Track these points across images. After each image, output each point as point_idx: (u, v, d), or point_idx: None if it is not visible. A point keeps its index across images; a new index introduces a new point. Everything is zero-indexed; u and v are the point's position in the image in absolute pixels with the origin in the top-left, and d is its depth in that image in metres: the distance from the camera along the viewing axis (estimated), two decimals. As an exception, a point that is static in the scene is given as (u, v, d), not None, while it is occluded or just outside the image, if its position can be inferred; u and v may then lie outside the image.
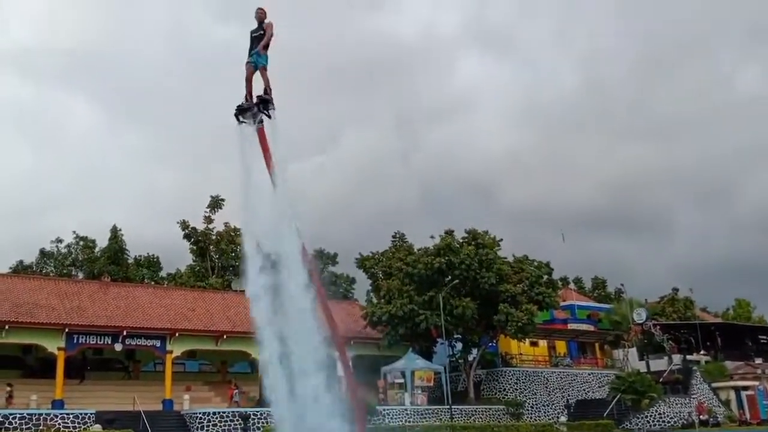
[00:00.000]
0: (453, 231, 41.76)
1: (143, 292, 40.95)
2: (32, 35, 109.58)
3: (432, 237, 41.78)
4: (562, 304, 51.94)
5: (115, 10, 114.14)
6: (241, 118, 13.45)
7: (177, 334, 35.45)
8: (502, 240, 42.01)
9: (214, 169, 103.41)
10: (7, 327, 31.68)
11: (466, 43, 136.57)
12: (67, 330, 32.86)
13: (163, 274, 61.94)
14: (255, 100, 13.36)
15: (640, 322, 49.43)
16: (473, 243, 40.41)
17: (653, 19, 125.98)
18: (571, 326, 52.64)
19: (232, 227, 57.90)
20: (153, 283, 56.09)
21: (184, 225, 59.75)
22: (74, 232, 62.33)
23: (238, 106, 13.57)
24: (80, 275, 57.93)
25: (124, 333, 34.27)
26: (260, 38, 13.37)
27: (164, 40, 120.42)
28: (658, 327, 50.32)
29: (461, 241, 41.00)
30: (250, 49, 13.42)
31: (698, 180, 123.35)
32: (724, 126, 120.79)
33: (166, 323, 36.37)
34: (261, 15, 13.60)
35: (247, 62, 13.41)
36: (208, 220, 60.24)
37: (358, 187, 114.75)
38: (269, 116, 13.25)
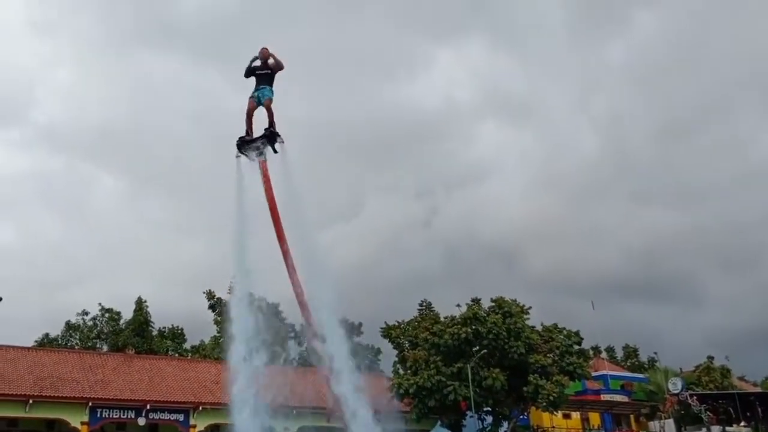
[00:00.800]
0: (479, 299, 41.12)
1: (167, 365, 40.62)
2: (62, 111, 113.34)
3: (458, 306, 41.15)
4: (594, 374, 50.48)
5: (140, 87, 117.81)
6: (243, 151, 13.24)
7: (200, 408, 34.87)
8: (530, 308, 41.24)
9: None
10: (30, 401, 31.46)
11: (484, 111, 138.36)
12: (90, 404, 32.55)
13: (187, 345, 61.49)
14: (263, 132, 13.31)
15: (676, 392, 47.74)
16: (500, 312, 39.65)
17: (672, 85, 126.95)
18: (604, 397, 51.02)
19: (257, 297, 57.58)
20: (177, 355, 55.63)
21: (209, 295, 59.59)
22: (100, 304, 62.44)
23: (242, 138, 13.39)
24: (105, 347, 57.74)
25: (148, 407, 33.83)
26: (267, 76, 13.30)
27: (187, 115, 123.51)
28: (695, 397, 48.51)
29: (488, 309, 40.28)
30: (256, 85, 13.34)
31: (725, 245, 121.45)
32: (747, 191, 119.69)
33: (190, 396, 35.87)
34: (265, 53, 13.68)
35: (251, 97, 13.36)
36: (233, 290, 59.98)
37: (381, 255, 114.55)
38: (275, 150, 13.06)
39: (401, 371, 46.07)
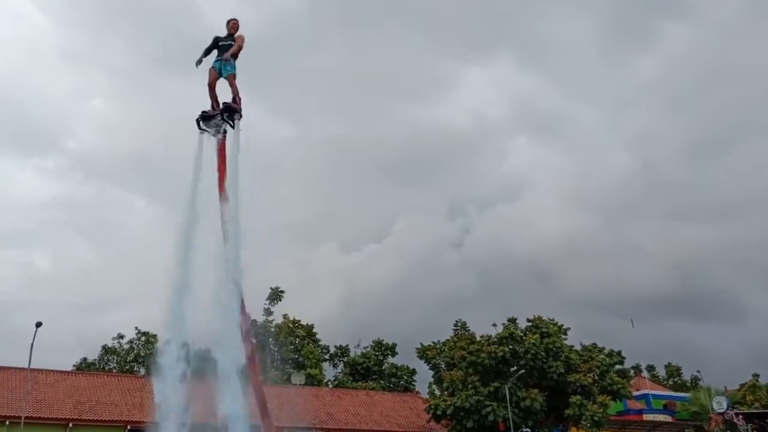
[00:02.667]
0: (516, 319, 40.59)
1: (203, 386, 40.62)
2: (94, 139, 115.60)
3: (494, 325, 40.67)
4: (636, 393, 49.40)
5: (170, 114, 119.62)
6: (203, 126, 12.71)
7: (237, 431, 34.77)
8: (569, 329, 40.56)
9: (273, 262, 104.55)
10: (70, 425, 31.67)
11: (515, 129, 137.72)
12: (129, 427, 32.64)
13: (222, 367, 61.63)
14: (221, 107, 12.63)
15: (721, 411, 46.22)
16: (538, 331, 39.04)
17: (702, 101, 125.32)
18: (647, 417, 49.83)
19: (291, 319, 57.67)
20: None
21: (243, 318, 59.82)
22: (136, 327, 63.03)
23: (203, 113, 12.75)
24: (142, 371, 58.13)
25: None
26: (229, 47, 12.90)
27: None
28: (741, 416, 46.98)
29: (525, 329, 39.71)
30: (217, 56, 12.88)
31: (764, 260, 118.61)
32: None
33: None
34: (234, 26, 13.26)
35: (212, 68, 12.89)
36: (268, 312, 60.21)
37: (414, 275, 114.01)
38: (233, 126, 12.47)
39: (437, 392, 45.59)
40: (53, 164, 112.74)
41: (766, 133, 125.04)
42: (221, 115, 12.47)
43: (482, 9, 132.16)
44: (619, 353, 41.25)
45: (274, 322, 60.48)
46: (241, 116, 12.48)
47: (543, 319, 40.42)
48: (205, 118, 12.77)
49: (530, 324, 40.22)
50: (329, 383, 55.70)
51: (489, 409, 36.84)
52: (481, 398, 37.21)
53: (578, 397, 36.93)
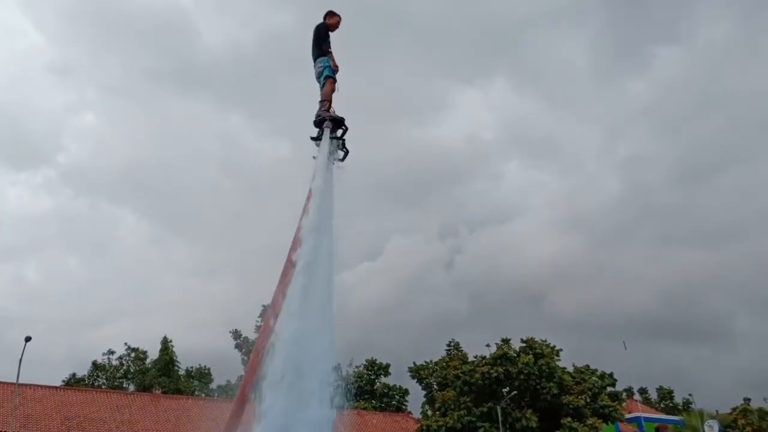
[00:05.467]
0: (509, 339, 40.49)
1: (193, 405, 40.31)
2: (86, 154, 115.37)
3: (488, 345, 40.56)
4: (628, 416, 49.16)
5: (163, 130, 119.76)
6: (320, 135, 10.90)
7: (227, 449, 34.43)
8: (561, 350, 40.50)
9: (264, 279, 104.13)
10: (58, 441, 31.28)
11: (509, 151, 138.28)
12: (117, 444, 32.27)
13: (213, 385, 61.14)
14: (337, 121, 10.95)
15: (713, 435, 46.26)
16: (531, 352, 38.95)
17: (693, 127, 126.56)
18: (638, 440, 49.52)
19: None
20: (203, 395, 55.32)
21: (236, 334, 59.49)
22: (126, 343, 62.62)
23: (317, 119, 11.00)
24: (132, 387, 57.62)
25: (174, 448, 33.47)
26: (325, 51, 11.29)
27: (213, 159, 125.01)
28: (733, 441, 46.97)
29: (518, 350, 39.61)
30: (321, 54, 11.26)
31: (756, 285, 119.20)
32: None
33: (217, 437, 35.48)
34: (337, 22, 11.66)
35: (331, 78, 11.22)
36: (259, 329, 59.85)
37: (406, 296, 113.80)
38: (339, 138, 10.91)
39: (429, 412, 45.33)
40: (44, 179, 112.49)
41: (757, 159, 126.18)
42: (337, 134, 10.92)
43: (479, 31, 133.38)
44: (611, 375, 41.16)
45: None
46: (338, 121, 10.96)
47: (536, 340, 40.35)
48: (322, 121, 11.01)
49: (524, 345, 40.14)
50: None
51: (481, 430, 36.59)
52: (474, 419, 36.98)
53: (569, 419, 36.77)
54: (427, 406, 49.25)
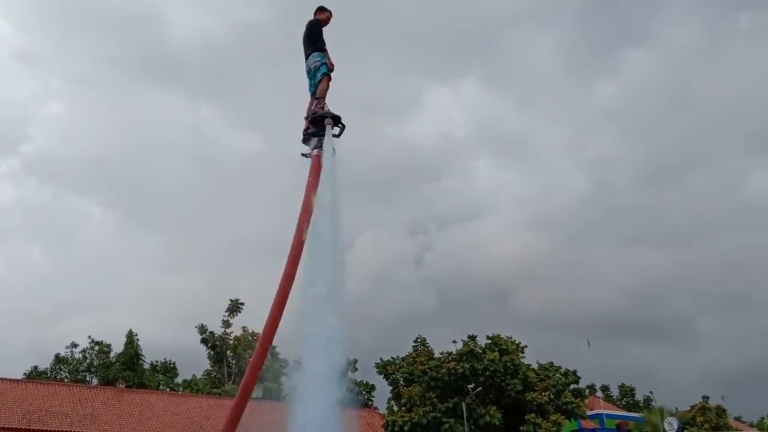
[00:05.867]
0: (476, 336, 40.86)
1: (158, 399, 40.02)
2: (52, 144, 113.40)
3: (455, 342, 40.88)
4: (590, 413, 49.95)
5: (131, 121, 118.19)
6: (307, 150, 11.19)
7: (192, 444, 34.28)
8: (526, 347, 41.02)
9: (232, 275, 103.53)
10: (18, 435, 30.82)
11: (480, 150, 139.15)
12: (79, 438, 31.91)
13: (179, 380, 60.71)
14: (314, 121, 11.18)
15: (672, 432, 47.19)
16: (497, 349, 39.39)
17: (660, 128, 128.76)
18: (600, 437, 50.35)
19: (251, 331, 57.10)
20: (168, 389, 54.91)
21: (201, 329, 59.12)
22: (89, 337, 61.81)
23: (304, 132, 11.17)
24: (95, 381, 56.91)
25: (137, 442, 33.22)
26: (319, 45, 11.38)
27: (178, 150, 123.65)
28: (692, 438, 47.99)
29: (483, 347, 40.02)
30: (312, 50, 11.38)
31: (718, 285, 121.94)
32: (736, 232, 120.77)
33: (181, 432, 35.27)
34: (328, 18, 11.72)
35: (326, 73, 11.36)
36: (227, 324, 59.58)
37: (374, 291, 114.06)
38: (336, 135, 11.07)
39: (395, 408, 45.53)
40: (8, 168, 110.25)
41: (720, 162, 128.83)
42: (325, 127, 11.08)
43: (452, 30, 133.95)
44: (574, 373, 41.80)
45: (232, 334, 59.88)
46: (336, 118, 11.16)
47: (502, 337, 40.79)
48: (306, 139, 11.24)
49: (489, 341, 40.56)
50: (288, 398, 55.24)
51: (447, 425, 36.94)
52: (439, 414, 37.29)
53: (532, 415, 37.29)
54: (393, 402, 49.45)
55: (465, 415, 36.32)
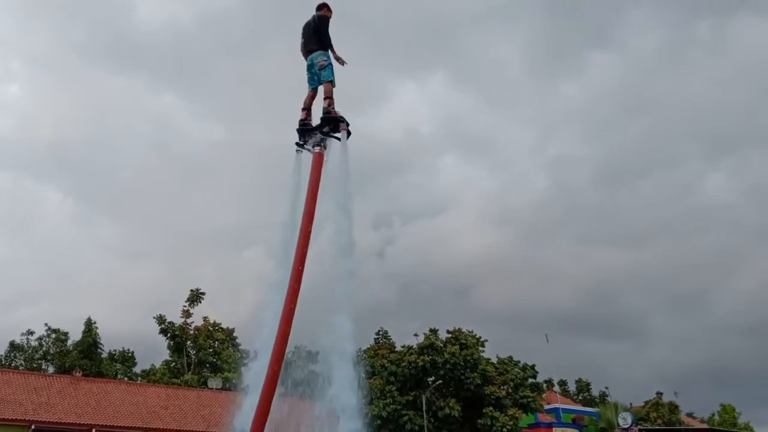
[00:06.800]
0: (437, 330, 41.21)
1: (115, 388, 39.46)
2: (11, 126, 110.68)
3: (416, 335, 41.18)
4: (547, 407, 50.77)
5: (93, 106, 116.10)
6: (302, 143, 11.34)
7: (148, 434, 33.97)
8: (486, 341, 41.51)
9: (194, 264, 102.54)
10: (-30, 423, 30.21)
11: (445, 146, 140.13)
12: (33, 427, 31.40)
13: (137, 369, 60.01)
14: (321, 119, 11.33)
15: (626, 426, 48.25)
16: (457, 343, 39.79)
17: (619, 130, 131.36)
18: (556, 430, 51.23)
19: (211, 322, 56.68)
20: (126, 378, 54.24)
21: (160, 319, 58.42)
22: (46, 324, 60.69)
23: (302, 123, 11.34)
24: (51, 369, 55.94)
25: (93, 431, 32.77)
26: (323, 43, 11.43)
27: (144, 139, 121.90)
28: (644, 433, 49.16)
29: (444, 340, 40.38)
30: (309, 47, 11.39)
31: (671, 284, 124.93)
32: (691, 233, 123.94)
33: (138, 421, 34.87)
34: (328, 13, 11.69)
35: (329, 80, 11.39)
36: (187, 314, 58.99)
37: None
38: (339, 138, 11.26)
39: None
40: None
41: (678, 164, 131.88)
42: (324, 128, 11.22)
43: (421, 26, 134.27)
44: (533, 367, 42.46)
45: (193, 324, 59.33)
46: (348, 124, 11.33)
47: (462, 331, 41.20)
48: (304, 131, 11.32)
49: (450, 335, 40.93)
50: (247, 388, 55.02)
51: (406, 418, 37.23)
52: (399, 407, 37.56)
53: (490, 408, 37.80)
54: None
55: (424, 407, 36.65)
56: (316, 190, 10.89)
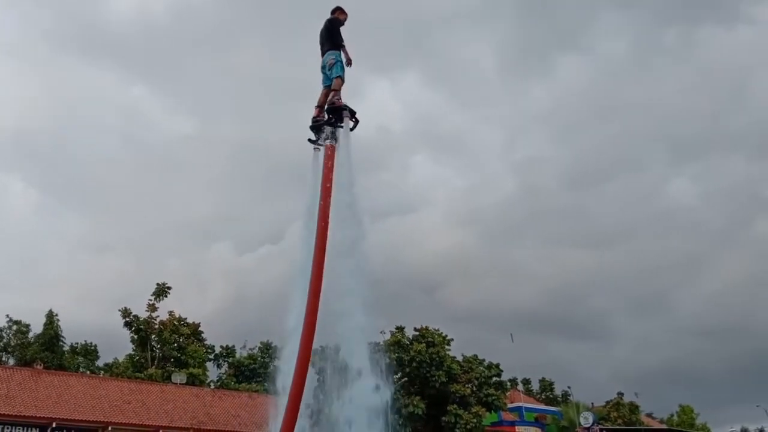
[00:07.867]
0: (404, 327, 41.44)
1: (77, 382, 38.93)
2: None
3: (382, 332, 41.26)
4: (510, 405, 51.36)
5: (60, 95, 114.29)
6: (315, 139, 11.56)
7: (110, 428, 33.57)
8: (452, 339, 41.83)
9: (160, 258, 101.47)
10: (-76, 415, 29.59)
11: (415, 144, 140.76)
12: (-9, 420, 30.85)
13: (100, 363, 59.17)
14: (326, 111, 11.56)
15: (587, 426, 48.93)
16: (424, 340, 40.05)
17: (586, 134, 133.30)
18: (518, 429, 51.83)
19: (177, 316, 56.09)
20: (89, 372, 53.46)
21: (125, 313, 57.64)
22: (7, 315, 59.50)
23: (314, 120, 11.59)
24: (11, 361, 54.91)
25: (53, 425, 32.34)
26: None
27: (113, 131, 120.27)
28: (605, 432, 49.94)
29: (411, 338, 40.60)
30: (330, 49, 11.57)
31: (633, 286, 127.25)
32: (655, 236, 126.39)
33: (99, 415, 34.47)
34: (343, 17, 12.04)
35: (339, 78, 11.69)
36: (152, 308, 58.25)
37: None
38: (342, 127, 11.47)
39: (321, 396, 45.70)
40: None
41: (644, 168, 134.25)
42: (329, 120, 11.42)
43: (395, 23, 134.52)
44: (497, 366, 42.92)
45: (158, 319, 58.64)
46: (354, 112, 11.50)
47: (429, 329, 41.46)
48: (315, 128, 11.51)
49: (417, 333, 41.17)
50: (212, 384, 54.68)
51: (370, 415, 37.35)
52: (363, 404, 37.68)
53: (454, 406, 38.14)
54: (319, 391, 49.63)
55: (389, 404, 36.82)
56: (329, 184, 11.13)
